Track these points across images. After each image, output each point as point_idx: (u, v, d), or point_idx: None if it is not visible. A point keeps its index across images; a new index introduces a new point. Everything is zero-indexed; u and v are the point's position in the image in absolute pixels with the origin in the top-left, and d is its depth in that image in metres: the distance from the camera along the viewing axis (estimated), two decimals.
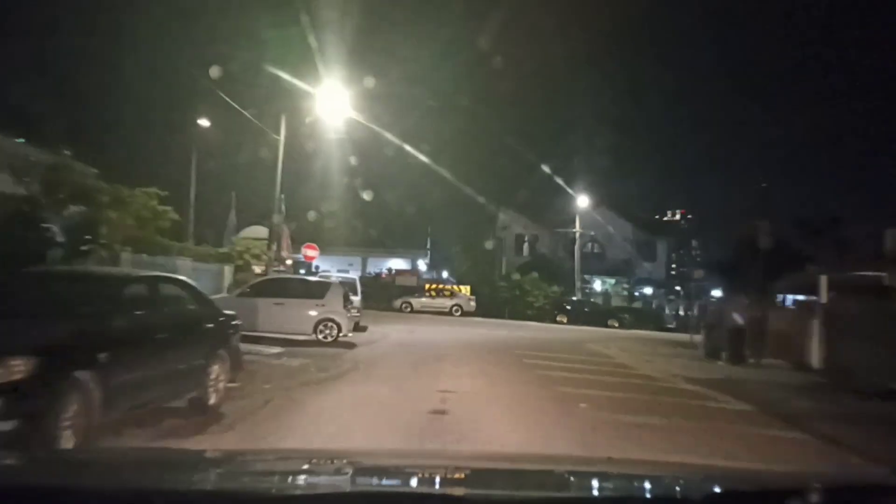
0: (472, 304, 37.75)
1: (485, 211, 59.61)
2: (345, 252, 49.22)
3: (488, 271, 45.97)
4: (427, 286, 40.04)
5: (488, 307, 39.33)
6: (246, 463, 2.66)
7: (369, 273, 46.15)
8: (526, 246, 54.84)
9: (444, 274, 56.13)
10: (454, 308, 37.38)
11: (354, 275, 22.95)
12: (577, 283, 40.69)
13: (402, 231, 52.41)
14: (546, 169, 39.46)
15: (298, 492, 2.03)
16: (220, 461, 2.72)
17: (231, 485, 2.16)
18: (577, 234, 39.69)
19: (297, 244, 50.53)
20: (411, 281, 41.28)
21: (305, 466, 2.62)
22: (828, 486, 2.09)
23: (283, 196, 23.52)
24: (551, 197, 55.80)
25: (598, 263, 52.93)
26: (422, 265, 56.97)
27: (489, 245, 54.71)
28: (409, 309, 37.44)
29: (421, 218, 56.40)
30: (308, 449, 5.81)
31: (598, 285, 51.49)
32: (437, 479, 2.39)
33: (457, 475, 2.50)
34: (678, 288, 54.94)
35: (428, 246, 60.08)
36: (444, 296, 38.09)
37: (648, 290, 48.47)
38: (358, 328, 22.86)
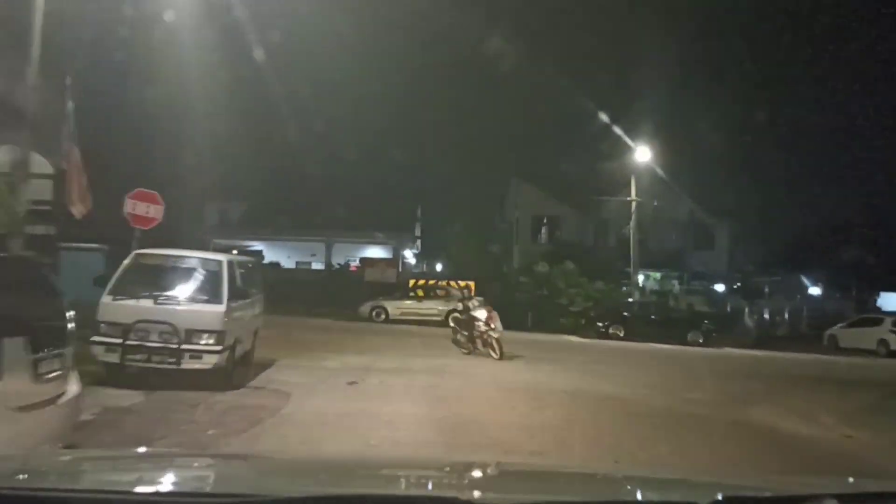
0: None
1: (492, 183, 46.96)
2: (302, 235, 36.37)
3: (499, 262, 33.19)
4: (412, 282, 27.18)
5: (502, 313, 26.56)
6: (247, 466, 2.60)
7: (336, 265, 33.19)
8: (545, 230, 42.04)
9: (439, 267, 43.34)
10: (452, 316, 24.55)
11: (222, 257, 9.54)
12: (634, 278, 27.83)
13: (381, 209, 39.67)
14: (577, 121, 27.29)
15: (300, 494, 1.84)
16: (220, 465, 2.64)
17: (233, 489, 1.96)
18: (634, 205, 26.81)
19: (234, 228, 37.65)
20: (388, 275, 28.42)
21: (307, 470, 2.57)
22: (842, 493, 1.98)
23: (68, 83, 10.53)
24: (582, 164, 43.03)
25: (641, 253, 40.24)
26: (409, 255, 44.14)
27: (499, 225, 41.98)
28: (382, 317, 24.62)
29: (408, 193, 43.72)
30: (308, 454, 5.24)
31: (639, 279, 38.56)
32: (442, 483, 2.35)
33: (463, 481, 2.42)
34: (739, 284, 42.03)
35: (418, 233, 47.20)
36: (437, 297, 25.31)
37: (720, 287, 35.69)
38: (245, 366, 10.34)
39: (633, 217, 27.07)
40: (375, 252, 36.35)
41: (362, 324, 23.56)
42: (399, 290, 26.38)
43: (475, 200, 42.37)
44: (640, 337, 23.70)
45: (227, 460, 2.94)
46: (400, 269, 37.86)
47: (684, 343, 23.30)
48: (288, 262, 39.13)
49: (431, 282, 27.35)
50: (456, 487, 2.30)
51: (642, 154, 25.67)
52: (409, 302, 25.03)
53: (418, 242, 47.61)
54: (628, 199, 27.05)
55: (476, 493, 2.10)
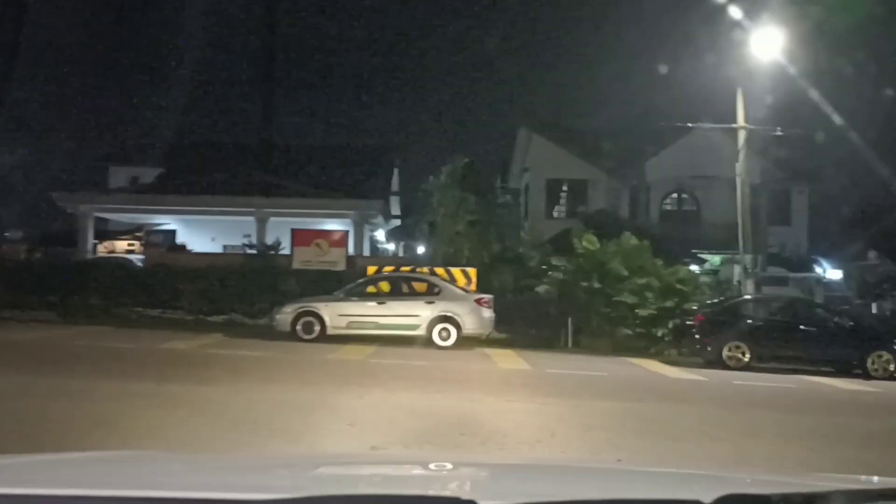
0: (489, 314, 14.18)
1: (494, 139, 35.92)
2: (226, 206, 25.31)
3: (507, 239, 22.34)
4: (371, 269, 16.27)
5: (520, 319, 16.10)
6: (242, 466, 2.45)
7: (260, 245, 22.09)
8: (564, 198, 31.41)
9: (421, 251, 32.41)
10: (438, 326, 13.95)
11: None
12: (744, 259, 16.78)
13: (339, 172, 28.83)
14: None
15: (296, 495, 1.60)
16: (214, 466, 2.47)
17: (229, 491, 1.78)
18: (743, 137, 15.40)
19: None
20: (331, 257, 17.46)
21: (304, 469, 2.40)
22: (844, 491, 1.88)
23: None
24: (614, 111, 32.21)
25: (692, 229, 29.97)
26: (380, 236, 33.32)
27: (502, 198, 31.15)
28: (314, 332, 13.77)
29: (380, 153, 32.77)
30: (302, 454, 4.85)
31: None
32: (443, 482, 2.20)
33: (462, 478, 2.28)
34: (821, 270, 31.34)
35: (397, 213, 36.11)
36: (414, 294, 14.56)
37: (836, 274, 25.13)
38: None
39: (742, 155, 16.08)
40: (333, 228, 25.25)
41: (273, 346, 12.65)
42: (354, 279, 15.48)
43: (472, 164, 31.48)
44: (775, 362, 13.10)
45: (221, 461, 2.83)
46: (367, 252, 26.99)
47: (864, 375, 12.67)
48: (213, 246, 28.18)
49: (405, 268, 16.46)
50: (457, 487, 2.14)
51: (764, 46, 14.72)
52: (365, 303, 14.21)
53: (395, 222, 36.65)
54: (734, 125, 16.11)
55: (479, 493, 1.83)
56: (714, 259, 28.53)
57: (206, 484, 1.94)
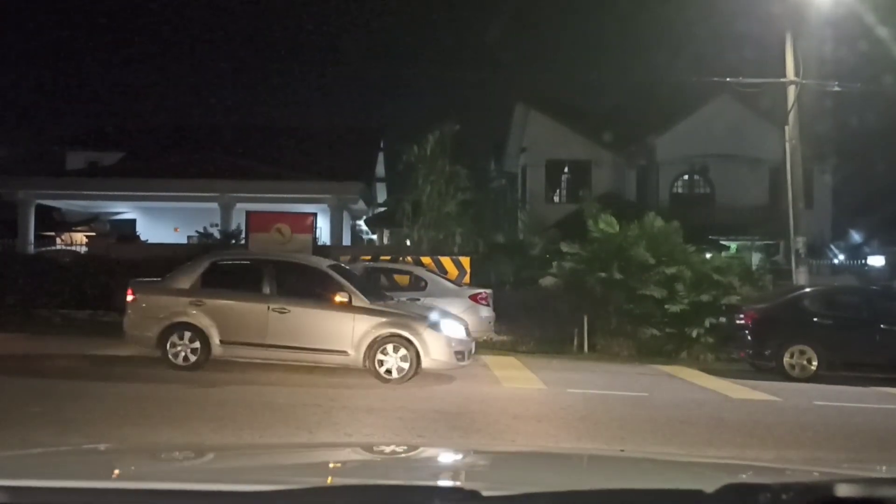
0: (487, 313, 11.40)
1: (487, 118, 33.18)
2: (188, 191, 22.33)
3: (504, 223, 19.53)
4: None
5: (516, 313, 13.28)
6: (234, 458, 2.39)
7: (225, 233, 19.19)
8: (565, 181, 28.64)
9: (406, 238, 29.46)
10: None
11: None
12: (796, 243, 13.97)
13: (315, 154, 25.91)
14: None
15: (295, 486, 1.60)
16: (219, 456, 2.45)
17: (238, 484, 1.74)
18: (794, 92, 12.48)
19: None
20: (297, 247, 14.42)
21: (300, 459, 2.41)
22: (847, 479, 1.82)
23: None
24: (621, 84, 29.38)
25: (705, 214, 27.30)
26: (366, 226, 30.33)
27: (497, 182, 28.26)
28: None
29: (363, 134, 29.83)
30: (298, 443, 4.87)
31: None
32: (446, 472, 2.16)
33: (466, 468, 2.25)
34: (840, 257, 28.65)
35: (380, 199, 33.07)
36: (394, 289, 11.62)
37: (878, 260, 22.43)
38: None
39: (793, 115, 13.33)
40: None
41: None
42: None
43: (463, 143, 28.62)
44: (845, 369, 10.36)
45: (212, 452, 2.70)
46: (347, 242, 24.12)
47: None
48: (176, 237, 25.24)
49: (384, 258, 13.55)
50: (459, 476, 2.12)
51: None
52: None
53: (381, 210, 33.63)
54: (783, 80, 13.29)
55: (481, 482, 1.83)
56: (732, 246, 25.90)
57: (199, 476, 1.86)
